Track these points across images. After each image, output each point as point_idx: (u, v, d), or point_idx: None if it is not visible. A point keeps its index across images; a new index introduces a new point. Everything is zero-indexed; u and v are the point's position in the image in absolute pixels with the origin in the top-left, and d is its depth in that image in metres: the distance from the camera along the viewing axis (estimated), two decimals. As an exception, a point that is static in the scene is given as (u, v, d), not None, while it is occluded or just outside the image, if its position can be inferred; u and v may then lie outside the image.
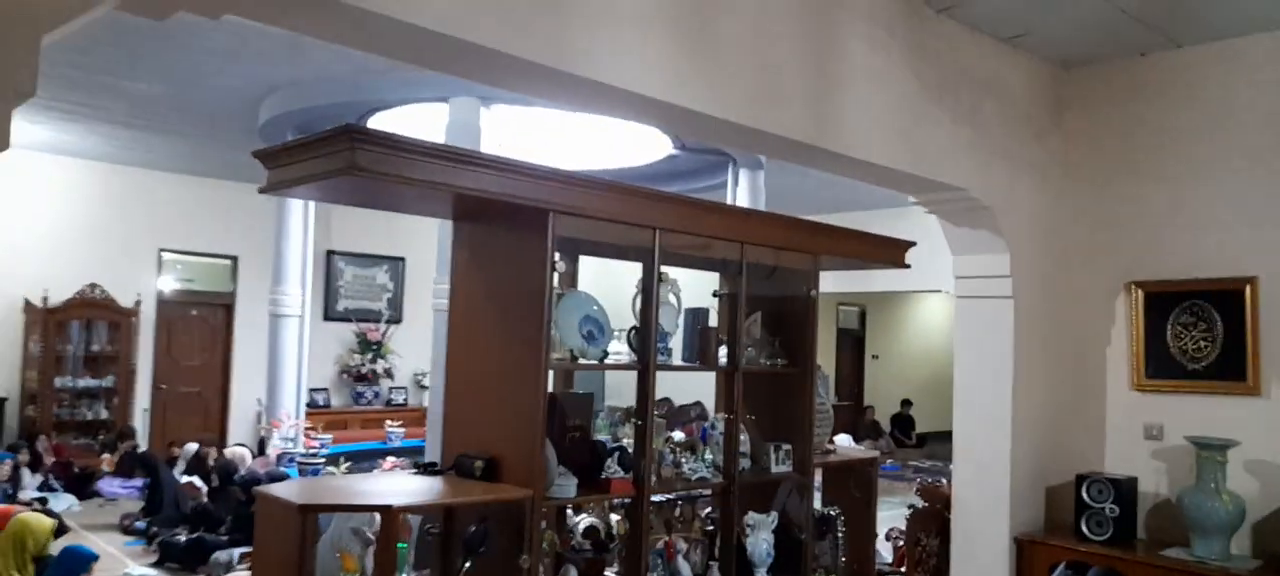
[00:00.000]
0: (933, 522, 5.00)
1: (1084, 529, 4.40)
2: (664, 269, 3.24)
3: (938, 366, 13.46)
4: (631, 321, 3.23)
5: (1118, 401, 4.71)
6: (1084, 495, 4.43)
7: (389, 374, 12.39)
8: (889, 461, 11.94)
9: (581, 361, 3.07)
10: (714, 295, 3.82)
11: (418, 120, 7.41)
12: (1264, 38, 4.30)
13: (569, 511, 3.33)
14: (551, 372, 2.94)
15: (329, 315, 12.06)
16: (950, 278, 4.85)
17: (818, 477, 3.96)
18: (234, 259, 11.43)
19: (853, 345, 15.84)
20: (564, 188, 2.86)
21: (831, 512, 3.99)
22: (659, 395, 3.30)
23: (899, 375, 15.94)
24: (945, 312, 13.35)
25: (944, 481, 5.23)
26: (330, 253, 12.09)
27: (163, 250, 10.95)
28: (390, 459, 7.72)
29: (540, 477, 2.81)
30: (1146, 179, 4.65)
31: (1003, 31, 4.40)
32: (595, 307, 3.16)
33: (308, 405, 9.75)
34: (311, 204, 8.88)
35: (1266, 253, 4.27)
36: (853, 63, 3.70)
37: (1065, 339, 4.84)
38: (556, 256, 2.88)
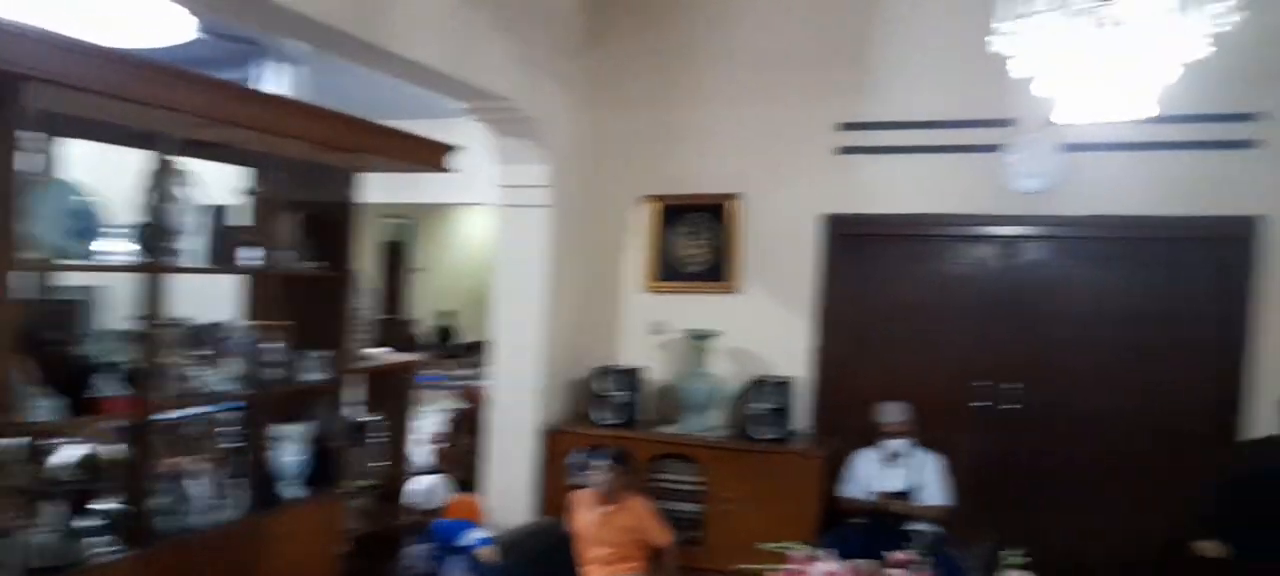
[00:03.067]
0: (471, 422, 5.20)
1: (598, 415, 4.91)
2: (181, 160, 2.83)
3: (478, 280, 13.86)
4: (138, 218, 2.78)
5: (632, 301, 5.29)
6: (600, 385, 4.94)
7: None
8: (433, 371, 12.10)
9: (64, 262, 2.57)
10: (248, 194, 3.45)
11: None
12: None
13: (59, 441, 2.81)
14: (26, 276, 2.41)
15: None
16: (493, 191, 5.00)
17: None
18: None
19: (397, 257, 15.62)
20: (46, 50, 2.30)
21: (368, 419, 3.93)
22: (180, 307, 2.91)
23: (442, 287, 16.10)
24: (486, 227, 13.78)
25: (482, 383, 5.45)
26: None
27: None
28: None
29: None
30: (665, 101, 5.20)
31: (544, -52, 4.56)
32: (83, 199, 2.66)
33: None
34: None
35: (748, 174, 5.07)
36: (396, -47, 3.54)
37: (591, 245, 5.29)
38: (35, 136, 2.34)
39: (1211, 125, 4.31)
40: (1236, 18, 2.11)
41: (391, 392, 4.18)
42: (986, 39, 2.32)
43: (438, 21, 3.80)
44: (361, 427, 3.85)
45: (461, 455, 5.20)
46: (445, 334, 15.35)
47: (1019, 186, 4.61)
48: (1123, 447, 4.58)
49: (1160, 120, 4.23)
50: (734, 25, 5.06)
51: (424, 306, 15.54)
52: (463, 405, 5.38)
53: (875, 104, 4.82)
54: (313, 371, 3.42)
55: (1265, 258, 4.30)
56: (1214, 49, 3.94)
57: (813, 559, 1.81)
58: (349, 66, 5.43)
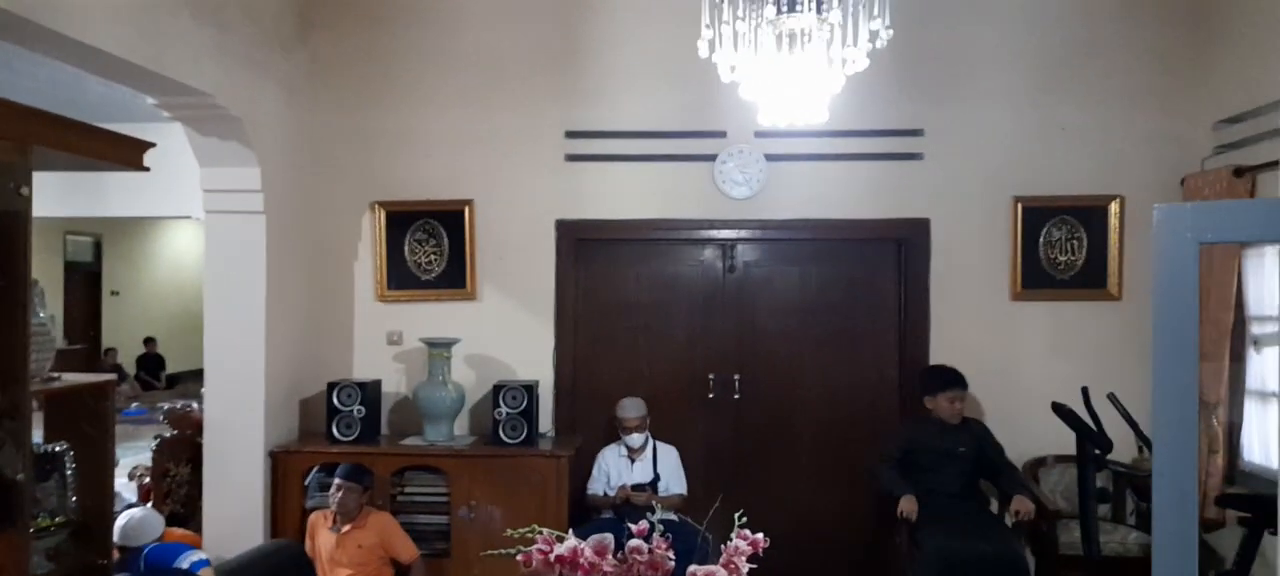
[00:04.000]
0: (183, 450, 4.74)
1: (335, 432, 4.67)
2: None
3: (189, 301, 12.66)
4: None
5: (364, 312, 5.09)
6: (334, 401, 4.69)
7: None
8: (135, 405, 10.89)
9: None
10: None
11: None
12: (479, -8, 5.03)
13: None
14: None
15: None
16: (200, 202, 4.59)
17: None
18: None
19: (87, 280, 13.84)
20: None
21: (57, 448, 3.44)
22: None
23: (144, 313, 14.51)
24: (197, 242, 12.64)
25: (195, 406, 4.98)
26: None
27: None
28: None
29: None
30: (386, 104, 5.06)
31: (252, -64, 4.27)
32: None
33: None
34: None
35: (481, 180, 5.06)
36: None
37: (316, 254, 5.02)
38: None
39: (888, 139, 4.93)
40: (891, 33, 2.44)
41: (86, 418, 3.68)
42: (697, 45, 2.51)
43: (121, 5, 3.44)
44: (51, 458, 3.36)
45: (175, 487, 4.72)
46: (151, 362, 13.83)
47: (730, 193, 4.99)
48: (830, 427, 5.09)
49: (847, 133, 4.87)
50: (458, 28, 5.04)
51: (123, 334, 13.90)
52: (173, 432, 4.88)
53: (601, 112, 5.01)
54: (-21, 400, 2.94)
55: (934, 252, 4.97)
56: (885, 69, 4.53)
57: (559, 539, 1.85)
58: (19, 62, 4.76)
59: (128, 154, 3.38)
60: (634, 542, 1.93)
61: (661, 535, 1.98)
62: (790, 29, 2.41)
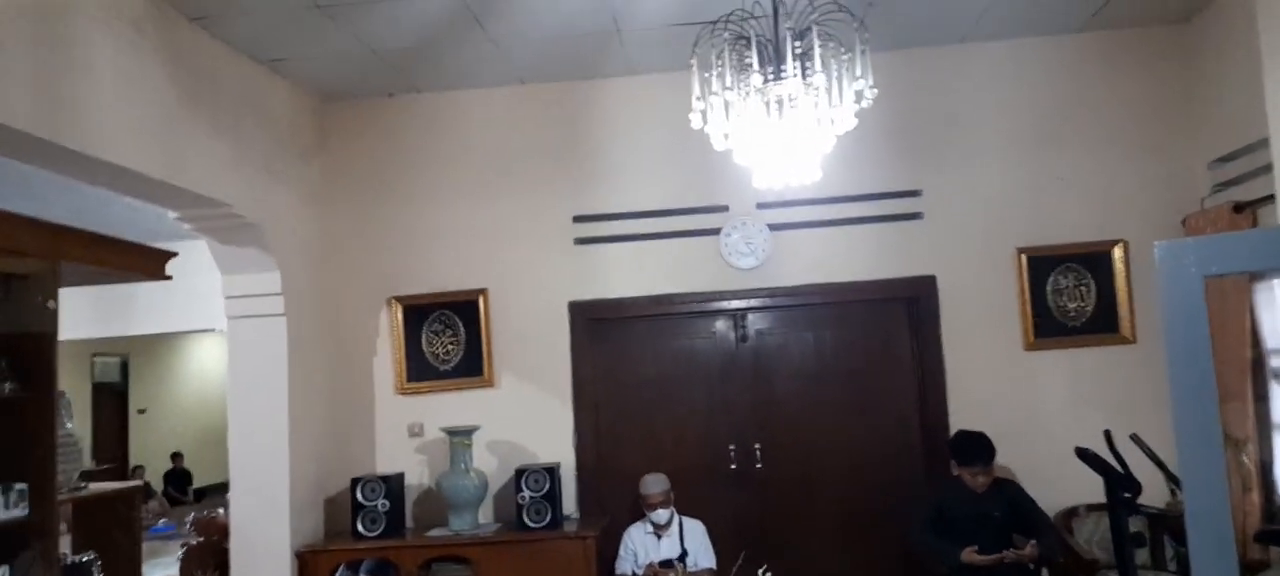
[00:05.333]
0: (210, 556, 4.76)
1: (360, 528, 4.68)
2: None
3: (215, 415, 12.76)
4: None
5: (385, 406, 5.15)
6: (359, 496, 4.71)
7: None
8: (163, 521, 10.88)
9: None
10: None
11: None
12: (483, 92, 5.23)
13: None
14: None
15: None
16: (225, 315, 4.72)
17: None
18: None
19: (114, 399, 14.01)
20: None
21: (85, 559, 3.49)
22: None
23: (171, 429, 14.61)
24: (221, 356, 12.79)
25: (221, 512, 5.02)
26: None
27: None
28: None
29: None
30: (399, 204, 5.22)
31: (262, 54, 4.49)
32: None
33: None
34: None
35: (493, 269, 5.16)
36: (96, 56, 3.36)
37: (337, 353, 5.11)
38: None
39: (887, 201, 5.02)
40: (875, 92, 2.54)
41: (114, 526, 3.74)
42: (688, 117, 2.61)
43: (142, 124, 3.61)
44: (79, 569, 3.41)
45: (201, 596, 4.73)
46: (179, 478, 13.89)
47: (737, 264, 5.07)
48: (854, 489, 5.04)
49: (846, 199, 4.97)
50: (464, 126, 5.22)
51: (150, 452, 13.99)
52: (199, 539, 4.91)
53: (606, 196, 5.14)
54: (12, 507, 3.01)
55: (944, 309, 5.00)
56: (880, 134, 4.65)
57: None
58: (43, 188, 4.95)
59: (151, 264, 3.54)
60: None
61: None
62: (778, 95, 2.51)
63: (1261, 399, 4.40)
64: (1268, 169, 4.18)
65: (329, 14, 4.06)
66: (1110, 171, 4.92)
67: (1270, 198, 4.13)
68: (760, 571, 2.00)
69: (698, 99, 2.56)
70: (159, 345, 14.06)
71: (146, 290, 7.82)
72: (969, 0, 4.46)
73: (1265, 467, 4.40)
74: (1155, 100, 4.91)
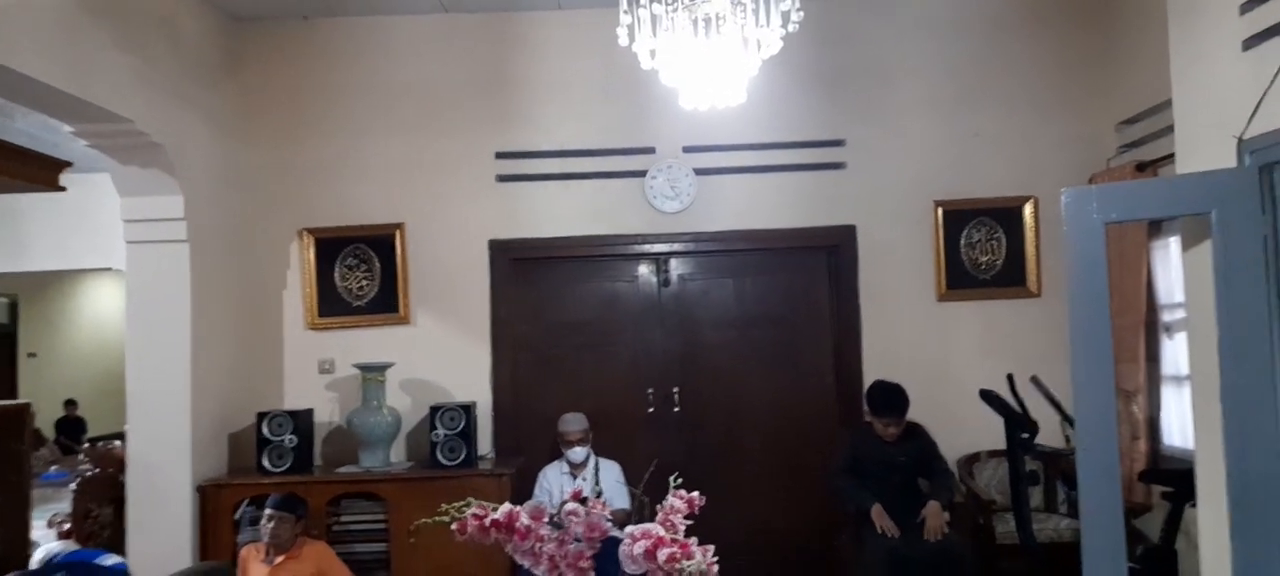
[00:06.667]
0: (106, 490, 4.55)
1: (265, 463, 4.54)
2: None
3: (113, 361, 12.16)
4: None
5: (295, 341, 4.99)
6: (265, 431, 4.56)
7: None
8: (54, 469, 10.40)
9: None
10: None
11: None
12: (404, 20, 5.05)
13: None
14: None
15: None
16: (124, 239, 4.48)
17: None
18: None
19: (2, 343, 13.28)
20: None
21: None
22: None
23: (64, 375, 13.91)
24: (120, 298, 12.18)
25: (118, 444, 4.80)
26: None
27: None
28: None
29: None
30: (314, 132, 5.03)
31: (171, -36, 4.25)
32: None
33: None
34: None
35: (411, 204, 5.03)
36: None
37: (244, 284, 4.92)
38: None
39: (812, 150, 5.06)
40: (801, 15, 2.53)
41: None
42: (616, 31, 2.56)
43: (44, 31, 3.37)
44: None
45: (98, 529, 4.52)
46: (72, 426, 13.27)
47: (662, 207, 5.05)
48: (773, 434, 5.13)
49: (772, 146, 4.99)
50: (383, 53, 5.05)
51: (41, 398, 13.30)
52: (94, 470, 4.69)
53: (531, 133, 5.05)
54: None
55: (862, 258, 5.09)
56: (807, 82, 4.66)
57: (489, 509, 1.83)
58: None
59: (43, 171, 3.32)
60: (571, 506, 1.92)
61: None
62: (705, 13, 2.48)
63: (1153, 359, 4.63)
64: (1170, 130, 4.36)
65: (241, -79, 3.85)
66: (1026, 129, 5.06)
67: (1170, 156, 4.30)
68: (672, 478, 1.99)
69: (625, 13, 2.51)
70: (52, 285, 13.34)
71: (39, 225, 7.39)
72: (897, -50, 4.50)
73: (1153, 422, 4.63)
74: (1071, 60, 5.06)
